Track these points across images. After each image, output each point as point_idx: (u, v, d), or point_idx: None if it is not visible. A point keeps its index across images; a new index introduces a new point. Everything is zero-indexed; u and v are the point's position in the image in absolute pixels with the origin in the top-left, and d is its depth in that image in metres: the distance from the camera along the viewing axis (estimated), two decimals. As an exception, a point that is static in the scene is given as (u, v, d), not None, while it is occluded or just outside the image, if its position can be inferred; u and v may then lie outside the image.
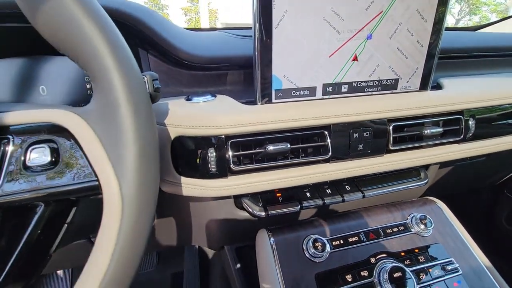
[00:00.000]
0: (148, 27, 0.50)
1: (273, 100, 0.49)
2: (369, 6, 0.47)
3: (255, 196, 0.55)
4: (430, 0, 0.49)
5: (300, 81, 0.49)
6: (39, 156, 0.25)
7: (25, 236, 0.27)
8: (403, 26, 0.50)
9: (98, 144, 0.26)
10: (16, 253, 0.26)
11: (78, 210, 0.31)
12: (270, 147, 0.47)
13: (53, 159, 0.25)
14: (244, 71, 0.60)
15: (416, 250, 0.52)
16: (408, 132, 0.55)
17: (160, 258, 1.23)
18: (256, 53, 0.45)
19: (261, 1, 0.42)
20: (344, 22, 0.47)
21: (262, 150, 0.47)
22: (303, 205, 0.54)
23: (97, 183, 0.26)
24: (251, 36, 0.65)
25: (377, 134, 0.52)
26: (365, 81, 0.52)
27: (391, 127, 0.52)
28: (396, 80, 0.54)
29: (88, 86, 0.62)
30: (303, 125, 0.48)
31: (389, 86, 0.54)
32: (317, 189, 0.57)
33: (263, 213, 0.52)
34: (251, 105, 0.49)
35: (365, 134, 0.51)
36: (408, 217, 0.56)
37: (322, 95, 0.51)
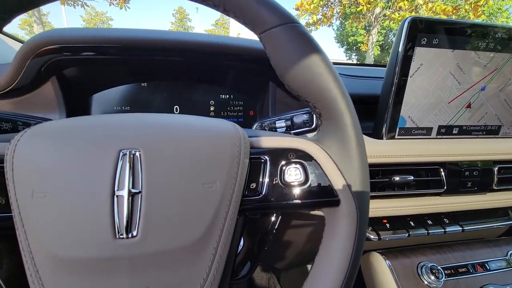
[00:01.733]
0: None
1: (396, 136, 0.56)
2: (487, 63, 0.54)
3: (365, 221, 0.60)
4: (536, 61, 0.57)
5: (420, 122, 0.56)
6: (294, 174, 0.32)
7: (265, 237, 0.33)
8: (511, 81, 0.57)
9: (335, 168, 0.33)
10: (262, 250, 0.32)
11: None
12: (396, 178, 0.53)
13: (304, 178, 0.32)
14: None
15: (520, 286, 0.55)
16: (509, 174, 0.60)
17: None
18: (391, 96, 0.53)
19: (404, 56, 0.50)
20: (465, 75, 0.54)
21: (387, 179, 0.53)
22: (410, 233, 0.58)
23: (337, 199, 0.32)
24: (354, 76, 0.74)
25: (484, 174, 0.57)
26: (473, 126, 0.59)
27: (496, 168, 0.58)
28: (499, 127, 0.60)
29: (211, 109, 0.71)
30: (422, 161, 0.55)
31: (493, 131, 0.60)
32: (419, 219, 0.62)
33: (375, 237, 0.57)
34: (372, 138, 0.56)
35: (474, 173, 0.57)
36: (508, 254, 0.60)
37: (436, 135, 0.58)
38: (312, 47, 0.31)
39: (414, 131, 0.56)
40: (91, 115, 0.64)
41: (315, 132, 0.49)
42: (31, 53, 0.48)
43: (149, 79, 0.65)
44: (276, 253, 0.80)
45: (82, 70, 0.58)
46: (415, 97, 0.54)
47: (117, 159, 0.26)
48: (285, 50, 0.31)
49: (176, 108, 0.68)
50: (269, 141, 0.34)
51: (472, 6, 7.13)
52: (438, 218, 0.63)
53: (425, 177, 0.56)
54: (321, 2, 8.32)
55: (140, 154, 0.26)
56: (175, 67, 0.63)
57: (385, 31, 17.88)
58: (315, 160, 0.33)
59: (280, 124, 0.48)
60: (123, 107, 0.66)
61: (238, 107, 0.72)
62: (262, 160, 0.32)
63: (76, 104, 0.61)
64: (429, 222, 0.62)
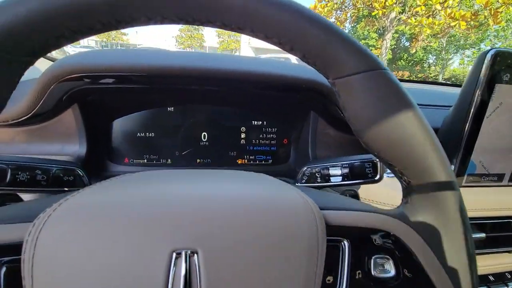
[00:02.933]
0: (328, 95, 0.50)
1: (463, 183, 0.48)
2: None
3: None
4: None
5: (492, 167, 0.48)
6: (383, 266, 0.25)
7: None
8: None
9: (436, 261, 0.25)
10: None
11: None
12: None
13: (395, 271, 0.25)
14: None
15: None
16: None
17: None
18: (463, 140, 0.45)
19: (482, 93, 0.43)
20: (549, 116, 0.46)
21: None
22: None
23: None
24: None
25: None
26: (551, 172, 0.51)
27: None
28: None
29: (242, 136, 0.64)
30: (494, 215, 0.47)
31: None
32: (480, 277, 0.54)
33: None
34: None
35: (552, 228, 0.49)
36: None
37: (508, 182, 0.50)
38: (403, 100, 0.24)
39: (484, 178, 0.49)
40: (111, 140, 0.58)
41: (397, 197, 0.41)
42: (54, 80, 0.42)
43: (176, 103, 0.59)
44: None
45: (106, 97, 0.52)
46: (489, 140, 0.46)
47: (169, 263, 0.19)
48: (367, 102, 0.24)
49: (204, 135, 0.62)
50: (346, 217, 0.26)
51: (492, 13, 6.91)
52: (501, 275, 0.55)
53: (496, 232, 0.48)
54: (335, 6, 8.20)
55: (197, 255, 0.20)
56: (206, 93, 0.56)
57: (397, 35, 17.59)
58: (407, 246, 0.26)
59: (335, 171, 0.41)
60: (147, 134, 0.60)
61: (271, 135, 0.65)
62: (341, 246, 0.25)
63: (96, 131, 0.55)
64: (491, 278, 0.54)
